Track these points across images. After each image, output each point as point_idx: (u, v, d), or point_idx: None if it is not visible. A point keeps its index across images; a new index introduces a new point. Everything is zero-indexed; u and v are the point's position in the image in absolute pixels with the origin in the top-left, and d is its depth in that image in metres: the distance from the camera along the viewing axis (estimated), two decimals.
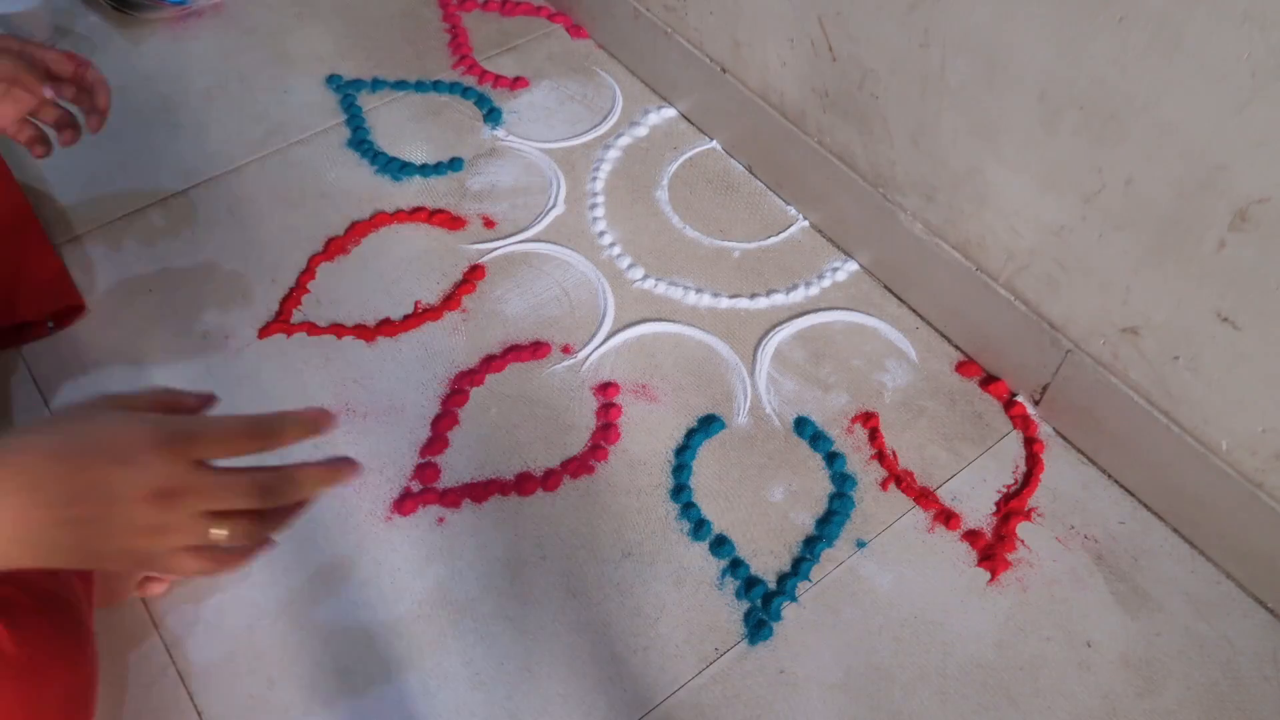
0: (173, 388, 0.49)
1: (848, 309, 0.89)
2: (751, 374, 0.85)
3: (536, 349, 0.85)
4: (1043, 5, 0.64)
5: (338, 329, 0.86)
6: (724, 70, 0.96)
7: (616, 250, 0.93)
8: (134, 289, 0.88)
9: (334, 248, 0.92)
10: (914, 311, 0.89)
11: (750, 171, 1.00)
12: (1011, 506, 0.77)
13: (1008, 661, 0.70)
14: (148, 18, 1.12)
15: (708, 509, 0.77)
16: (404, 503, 0.76)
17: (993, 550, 0.75)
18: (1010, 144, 0.72)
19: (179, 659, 0.69)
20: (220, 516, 0.44)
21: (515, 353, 0.85)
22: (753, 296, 0.90)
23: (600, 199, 0.97)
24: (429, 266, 0.91)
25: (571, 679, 0.69)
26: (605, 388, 0.83)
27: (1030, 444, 0.81)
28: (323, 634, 0.70)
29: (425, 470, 0.78)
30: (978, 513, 0.78)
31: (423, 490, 0.77)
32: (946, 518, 0.77)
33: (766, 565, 0.74)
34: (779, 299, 0.90)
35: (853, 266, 0.92)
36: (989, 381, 0.84)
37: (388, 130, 1.02)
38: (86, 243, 0.91)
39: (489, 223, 0.95)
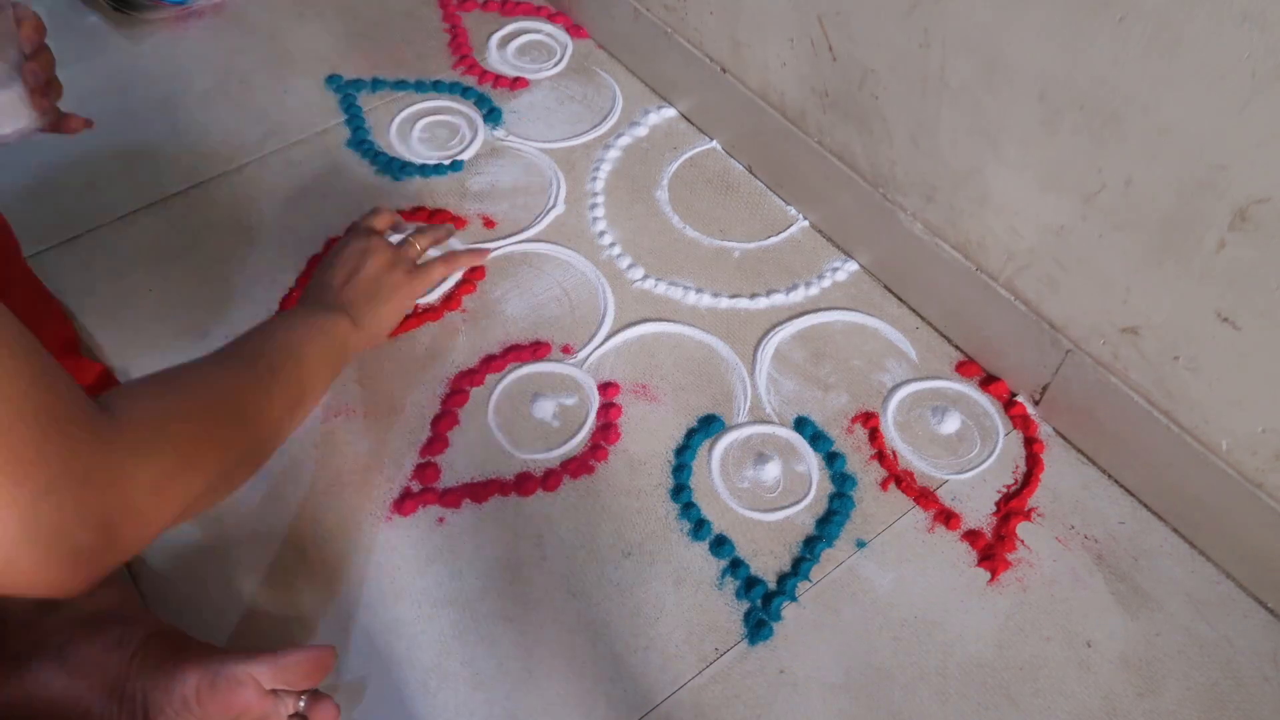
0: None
1: (848, 309, 0.89)
2: (751, 374, 0.85)
3: (536, 349, 0.85)
4: (1043, 5, 0.64)
5: None
6: (724, 70, 0.96)
7: (616, 250, 0.93)
8: (134, 289, 0.88)
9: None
10: (914, 311, 0.89)
11: (750, 171, 1.00)
12: (1011, 506, 0.77)
13: (1008, 661, 0.70)
14: (148, 18, 1.12)
15: (708, 509, 0.77)
16: (404, 503, 0.76)
17: (993, 550, 0.75)
18: (1010, 144, 0.72)
19: None
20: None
21: (515, 353, 0.85)
22: (753, 296, 0.90)
23: (600, 199, 0.97)
24: None
25: (571, 679, 0.69)
26: (605, 388, 0.83)
27: (1030, 444, 0.81)
28: (322, 635, 0.70)
29: (425, 470, 0.78)
30: (978, 513, 0.78)
31: (423, 490, 0.77)
32: (946, 518, 0.77)
33: (766, 565, 0.74)
34: (779, 299, 0.90)
35: (853, 266, 0.92)
36: (989, 381, 0.84)
37: (388, 130, 1.02)
38: (86, 242, 0.91)
39: (489, 223, 0.95)
